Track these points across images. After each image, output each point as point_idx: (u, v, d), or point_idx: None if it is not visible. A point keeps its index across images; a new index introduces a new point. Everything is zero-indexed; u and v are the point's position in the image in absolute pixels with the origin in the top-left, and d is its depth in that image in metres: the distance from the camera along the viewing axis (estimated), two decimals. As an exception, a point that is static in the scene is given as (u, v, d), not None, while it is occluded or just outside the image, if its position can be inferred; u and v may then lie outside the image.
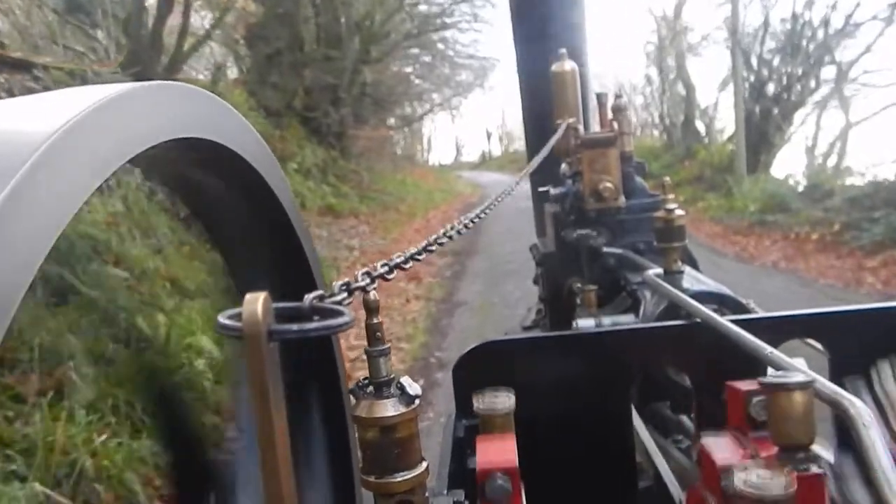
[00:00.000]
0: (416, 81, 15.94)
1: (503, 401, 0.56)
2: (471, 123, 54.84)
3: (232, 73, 9.27)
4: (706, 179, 10.41)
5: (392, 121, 15.35)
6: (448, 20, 13.02)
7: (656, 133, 15.15)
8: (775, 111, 10.67)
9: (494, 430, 0.54)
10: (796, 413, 0.46)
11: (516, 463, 0.50)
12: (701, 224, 8.77)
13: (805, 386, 0.45)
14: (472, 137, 61.48)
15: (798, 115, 11.27)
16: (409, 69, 15.08)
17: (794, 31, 10.38)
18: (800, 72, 10.51)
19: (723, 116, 13.35)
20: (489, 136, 39.27)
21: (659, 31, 14.00)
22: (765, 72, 10.77)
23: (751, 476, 0.42)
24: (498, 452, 0.51)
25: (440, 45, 14.72)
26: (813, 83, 10.88)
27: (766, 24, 10.74)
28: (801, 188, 8.49)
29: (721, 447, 0.54)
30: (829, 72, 10.98)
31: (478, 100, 52.11)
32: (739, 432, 0.55)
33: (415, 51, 14.20)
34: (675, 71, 13.74)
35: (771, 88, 10.78)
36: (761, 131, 10.44)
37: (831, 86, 11.25)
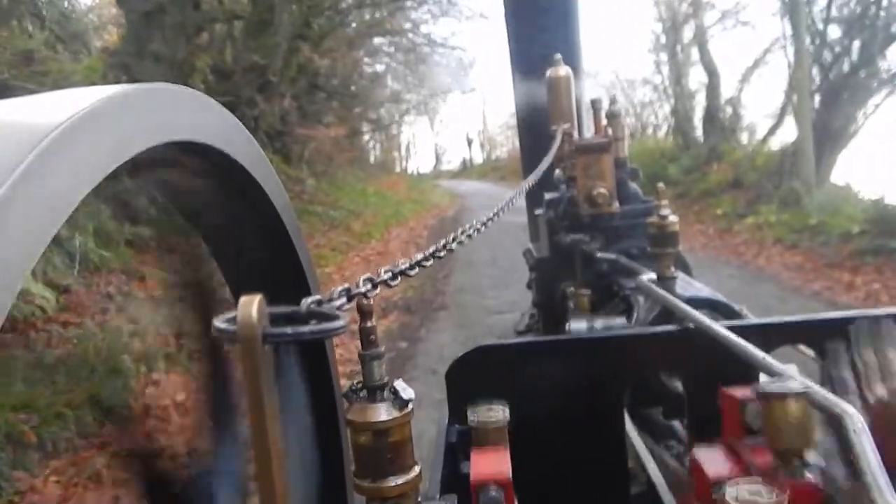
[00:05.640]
0: (388, 81, 16.78)
1: (497, 413, 0.73)
2: (451, 130, 61.35)
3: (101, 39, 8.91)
4: (748, 187, 10.32)
5: (364, 124, 15.91)
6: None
7: (661, 134, 15.28)
8: (844, 96, 10.08)
9: (488, 443, 0.71)
10: (791, 421, 0.59)
11: (510, 475, 0.65)
12: (766, 250, 7.99)
13: (800, 394, 0.59)
14: (453, 144, 66.12)
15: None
16: (381, 66, 15.75)
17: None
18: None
19: (748, 111, 13.27)
20: (470, 142, 42.96)
21: (670, 9, 14.20)
22: (826, 44, 10.33)
23: (741, 491, 0.55)
24: (492, 465, 0.67)
25: (420, 40, 15.44)
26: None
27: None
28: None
29: (713, 460, 0.71)
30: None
31: (458, 103, 57.85)
32: (734, 439, 0.73)
33: (381, 41, 14.75)
34: (684, 56, 13.92)
35: (829, 67, 10.30)
36: (824, 123, 10.07)
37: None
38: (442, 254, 0.58)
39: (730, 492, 0.56)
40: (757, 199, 9.84)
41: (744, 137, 13.13)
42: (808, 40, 10.28)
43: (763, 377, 0.73)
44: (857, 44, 10.21)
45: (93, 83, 5.84)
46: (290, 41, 10.07)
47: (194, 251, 0.77)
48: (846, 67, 10.26)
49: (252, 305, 0.32)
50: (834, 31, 10.49)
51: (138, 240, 5.20)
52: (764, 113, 18.37)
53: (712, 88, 13.07)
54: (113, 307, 4.41)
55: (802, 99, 9.91)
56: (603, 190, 1.44)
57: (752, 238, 8.61)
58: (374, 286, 0.46)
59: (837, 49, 10.30)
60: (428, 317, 5.64)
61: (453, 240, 0.62)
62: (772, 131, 12.31)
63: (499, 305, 5.40)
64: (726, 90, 13.32)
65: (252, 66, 9.37)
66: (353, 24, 13.14)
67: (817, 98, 10.48)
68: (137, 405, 3.37)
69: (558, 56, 1.76)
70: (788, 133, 11.66)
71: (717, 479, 0.66)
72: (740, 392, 0.75)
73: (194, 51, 7.95)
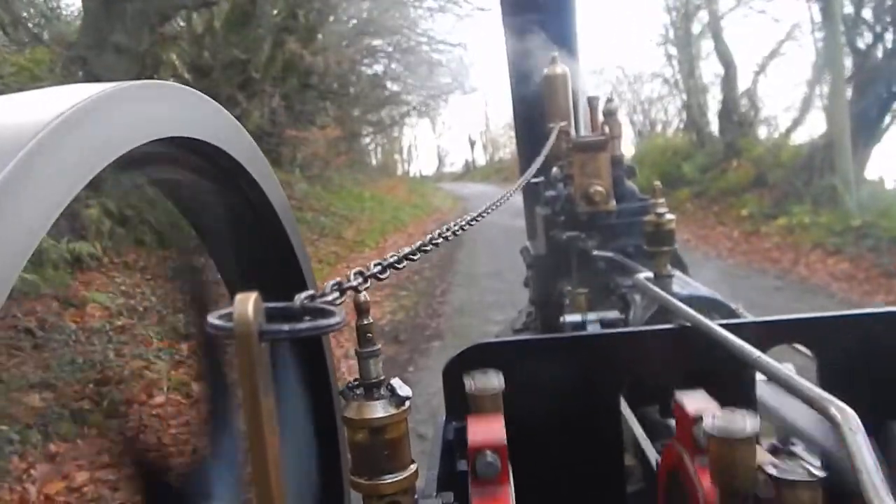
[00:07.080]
0: (388, 83, 17.21)
1: (493, 381, 0.79)
2: (453, 132, 63.01)
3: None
4: (774, 185, 10.31)
5: (364, 126, 16.27)
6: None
7: (671, 130, 15.31)
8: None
9: (484, 410, 0.77)
10: None
11: (504, 440, 0.69)
12: (803, 255, 7.63)
13: (813, 485, 0.58)
14: (456, 146, 68.69)
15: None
16: (379, 67, 16.07)
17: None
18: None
19: (765, 104, 13.03)
20: (472, 144, 45.11)
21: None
22: (860, 29, 10.26)
23: (718, 420, 0.59)
24: (488, 431, 0.71)
25: (419, 38, 15.78)
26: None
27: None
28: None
29: (695, 400, 0.75)
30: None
31: (460, 105, 60.58)
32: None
33: (378, 42, 14.98)
34: (696, 48, 14.00)
35: (856, 53, 10.20)
36: (857, 114, 9.81)
37: None
38: (429, 248, 0.62)
39: (707, 422, 0.61)
40: (785, 197, 9.77)
41: (762, 132, 13.21)
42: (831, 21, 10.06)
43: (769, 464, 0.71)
44: (890, 30, 10.14)
45: (33, 76, 5.80)
46: (275, 34, 10.13)
47: (190, 254, 0.81)
48: (880, 54, 10.20)
49: (248, 302, 0.34)
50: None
51: (85, 257, 4.87)
52: (784, 106, 18.45)
53: (729, 80, 13.08)
54: (28, 346, 3.85)
55: (837, 88, 9.80)
56: (600, 188, 1.56)
57: (785, 242, 8.38)
58: (365, 279, 0.49)
59: (870, 35, 10.22)
60: (418, 349, 5.05)
61: (439, 235, 0.67)
62: (796, 124, 12.35)
63: (505, 333, 4.36)
64: (741, 82, 13.35)
65: (233, 61, 9.37)
66: (354, 22, 13.29)
67: (849, 88, 10.25)
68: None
69: (555, 54, 1.91)
70: (814, 126, 11.72)
71: (698, 415, 0.70)
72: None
73: (160, 41, 7.76)
